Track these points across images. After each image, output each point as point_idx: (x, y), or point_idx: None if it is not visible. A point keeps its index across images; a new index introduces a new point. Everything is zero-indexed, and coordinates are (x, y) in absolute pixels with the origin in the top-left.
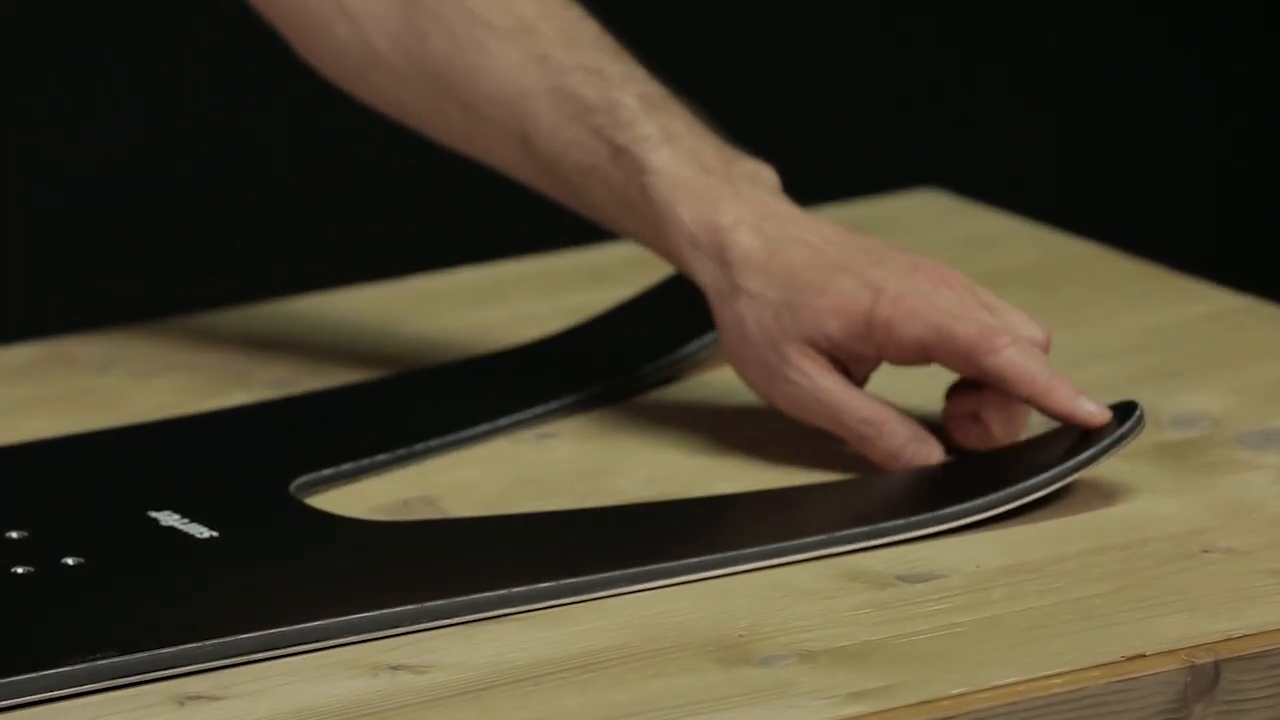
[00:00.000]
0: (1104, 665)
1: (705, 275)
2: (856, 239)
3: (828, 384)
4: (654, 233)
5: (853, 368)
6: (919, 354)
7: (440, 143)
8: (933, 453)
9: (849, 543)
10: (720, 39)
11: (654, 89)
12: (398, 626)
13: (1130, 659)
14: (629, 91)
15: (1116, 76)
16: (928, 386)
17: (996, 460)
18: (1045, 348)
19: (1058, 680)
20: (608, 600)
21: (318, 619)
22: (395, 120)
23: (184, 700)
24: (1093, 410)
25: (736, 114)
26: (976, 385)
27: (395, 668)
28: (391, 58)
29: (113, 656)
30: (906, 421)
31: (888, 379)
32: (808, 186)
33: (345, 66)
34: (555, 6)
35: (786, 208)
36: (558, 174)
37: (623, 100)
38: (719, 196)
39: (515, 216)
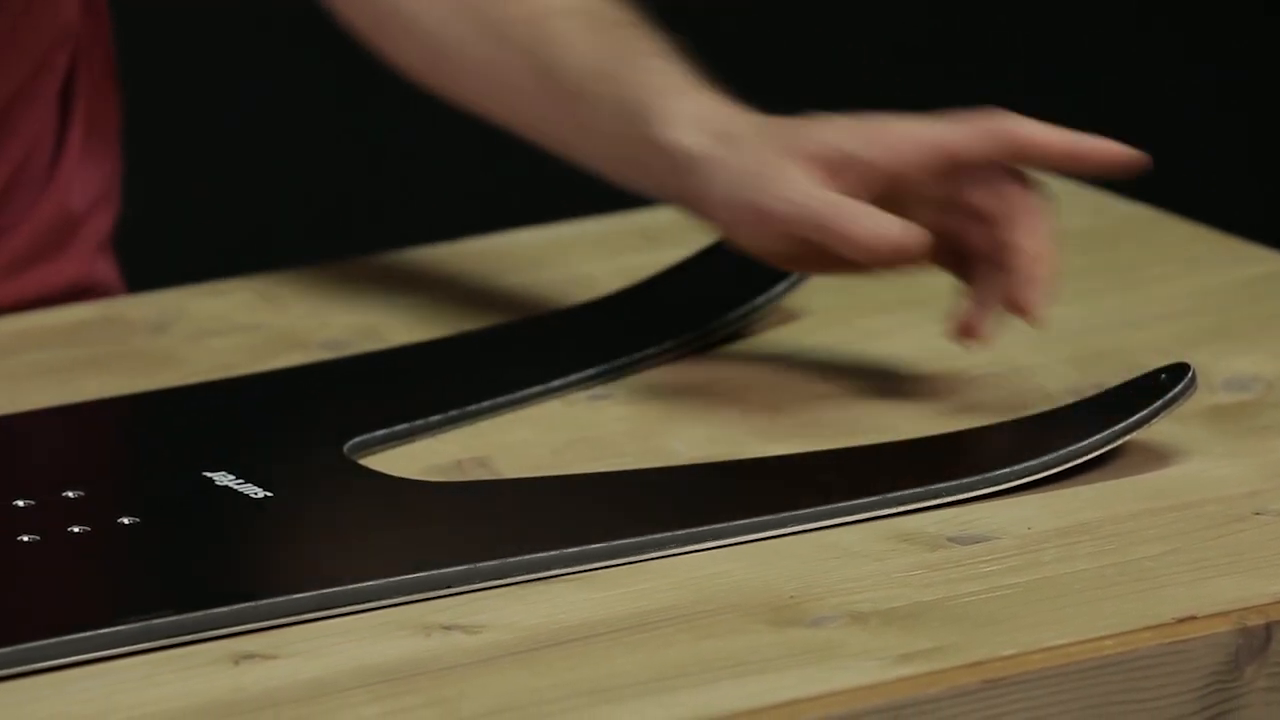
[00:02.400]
0: (1156, 627)
1: (686, 140)
2: None
3: (800, 176)
4: (644, 115)
5: (860, 188)
6: (932, 144)
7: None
8: (912, 229)
9: (900, 504)
10: (754, 18)
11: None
12: (450, 587)
13: (1182, 621)
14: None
15: (1167, 40)
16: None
17: (1048, 422)
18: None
19: (1109, 642)
20: (659, 561)
21: (371, 579)
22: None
23: (238, 659)
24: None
25: (789, 80)
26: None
27: (448, 628)
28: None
29: (167, 616)
30: (874, 209)
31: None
32: None
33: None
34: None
35: None
36: (567, 85)
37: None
38: (718, 100)
39: (571, 179)
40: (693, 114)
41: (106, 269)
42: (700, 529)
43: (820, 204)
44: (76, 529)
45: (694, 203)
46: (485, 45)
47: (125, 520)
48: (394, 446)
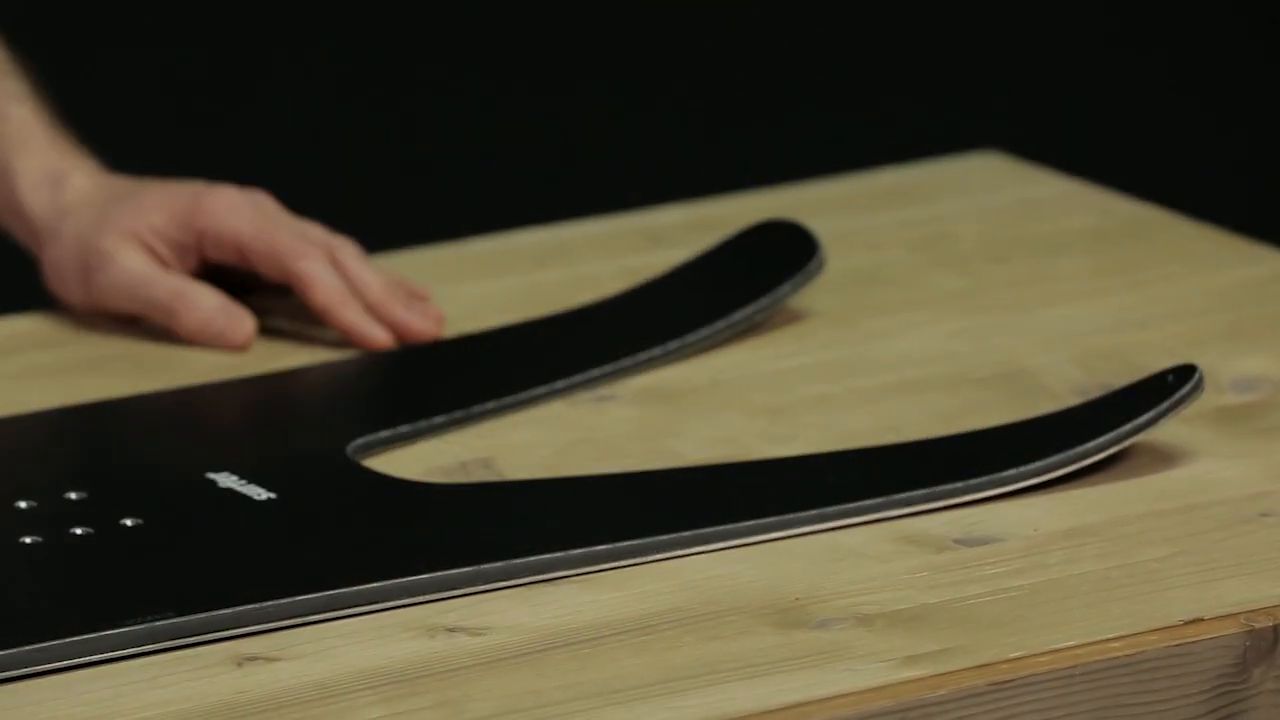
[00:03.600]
0: (1163, 629)
1: (38, 208)
2: None
3: (136, 264)
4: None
5: (177, 261)
6: (236, 249)
7: None
8: (243, 323)
9: (906, 506)
10: (779, 4)
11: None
12: (455, 588)
13: (1189, 623)
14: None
15: (1174, 39)
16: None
17: (1054, 423)
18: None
19: (1116, 644)
20: (665, 562)
21: (375, 581)
22: None
23: (242, 661)
24: (377, 335)
25: (797, 79)
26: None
27: (452, 629)
28: None
29: (171, 617)
30: (213, 294)
31: (890, 407)
32: (867, 149)
33: None
34: None
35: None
36: None
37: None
38: (69, 157)
39: (575, 178)
40: (39, 177)
41: None
42: (705, 530)
43: (157, 291)
44: (79, 530)
45: (49, 264)
46: None
47: (128, 522)
48: (397, 447)
